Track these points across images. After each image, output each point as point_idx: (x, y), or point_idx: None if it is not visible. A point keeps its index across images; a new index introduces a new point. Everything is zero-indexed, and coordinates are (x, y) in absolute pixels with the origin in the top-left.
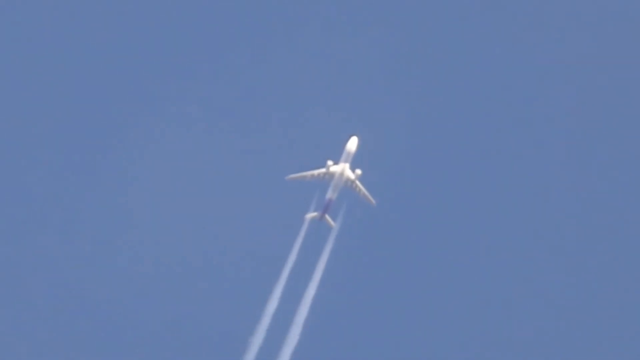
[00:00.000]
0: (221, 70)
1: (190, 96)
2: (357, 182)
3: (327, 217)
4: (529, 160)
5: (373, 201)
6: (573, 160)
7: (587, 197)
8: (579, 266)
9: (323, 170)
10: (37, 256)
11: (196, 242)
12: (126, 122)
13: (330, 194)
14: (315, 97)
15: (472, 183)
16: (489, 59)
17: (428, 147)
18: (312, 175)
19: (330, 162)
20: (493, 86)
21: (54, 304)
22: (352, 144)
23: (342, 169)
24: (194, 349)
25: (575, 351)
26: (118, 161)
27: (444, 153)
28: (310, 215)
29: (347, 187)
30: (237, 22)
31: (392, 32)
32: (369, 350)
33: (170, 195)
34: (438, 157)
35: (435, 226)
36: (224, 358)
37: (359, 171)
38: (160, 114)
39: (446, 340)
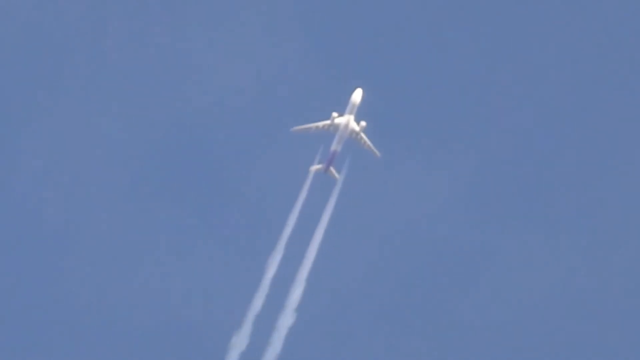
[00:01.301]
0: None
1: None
2: (362, 134)
3: (332, 169)
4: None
5: (378, 153)
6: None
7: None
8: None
9: (328, 122)
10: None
11: (199, 198)
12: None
13: (334, 146)
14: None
15: (475, 132)
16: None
17: (432, 98)
18: (317, 127)
19: (335, 114)
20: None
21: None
22: (357, 95)
23: (347, 120)
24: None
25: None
26: None
27: (447, 105)
28: (315, 167)
29: (352, 139)
30: None
31: None
32: (372, 310)
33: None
34: (442, 109)
35: (439, 175)
36: (226, 314)
37: (363, 123)
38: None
39: (449, 300)
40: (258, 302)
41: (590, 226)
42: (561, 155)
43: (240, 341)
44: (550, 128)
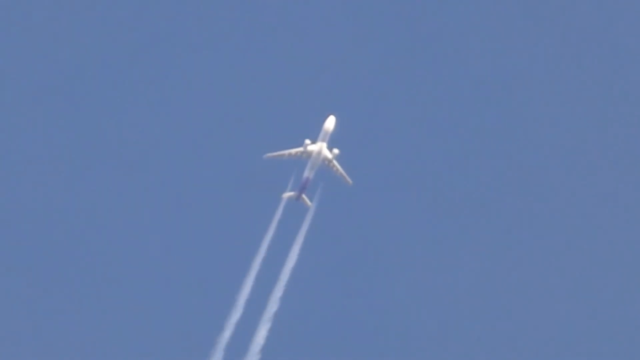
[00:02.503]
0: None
1: (161, 77)
2: (334, 162)
3: (304, 196)
4: (516, 142)
5: (350, 181)
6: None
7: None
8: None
9: (301, 149)
10: None
11: (171, 220)
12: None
13: (307, 173)
14: (295, 75)
15: (451, 161)
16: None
17: (406, 127)
18: (290, 154)
19: (308, 141)
20: (476, 64)
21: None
22: (330, 122)
23: (320, 147)
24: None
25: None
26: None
27: (422, 133)
28: (287, 194)
29: (325, 166)
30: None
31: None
32: (345, 330)
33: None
34: (416, 137)
35: (411, 207)
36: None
37: (336, 150)
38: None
39: (424, 318)
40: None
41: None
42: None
43: None
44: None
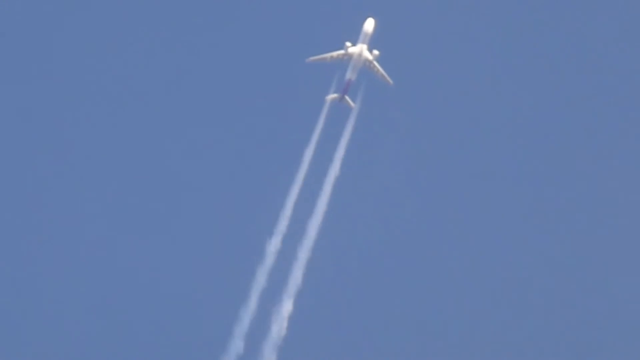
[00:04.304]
0: None
1: None
2: (375, 63)
3: (347, 97)
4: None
5: (390, 81)
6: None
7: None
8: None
9: (342, 51)
10: None
11: (218, 127)
12: None
13: (349, 75)
14: None
15: (483, 59)
16: None
17: (444, 28)
18: (332, 57)
19: (348, 44)
20: None
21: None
22: (369, 25)
23: (360, 49)
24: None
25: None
26: None
27: (460, 34)
28: (331, 96)
29: (366, 67)
30: None
31: None
32: (386, 234)
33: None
34: (453, 37)
35: (451, 103)
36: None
37: (376, 52)
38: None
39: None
40: (281, 229)
41: None
42: None
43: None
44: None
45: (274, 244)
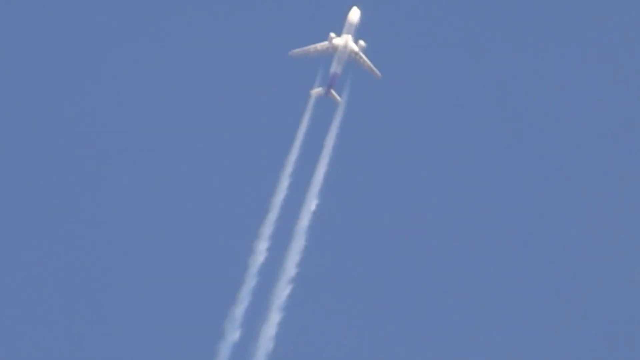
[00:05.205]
0: None
1: None
2: (361, 54)
3: (333, 92)
4: None
5: (378, 74)
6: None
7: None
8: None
9: (326, 43)
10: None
11: (201, 125)
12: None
13: (334, 68)
14: None
15: (474, 43)
16: None
17: (434, 15)
18: (316, 49)
19: (332, 35)
20: None
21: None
22: (354, 14)
23: (345, 41)
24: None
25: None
26: None
27: (450, 22)
28: (315, 90)
29: (352, 59)
30: None
31: None
32: (377, 226)
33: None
34: (442, 24)
35: (442, 94)
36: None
37: (362, 42)
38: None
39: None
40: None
41: None
42: None
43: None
44: None
45: (260, 243)
